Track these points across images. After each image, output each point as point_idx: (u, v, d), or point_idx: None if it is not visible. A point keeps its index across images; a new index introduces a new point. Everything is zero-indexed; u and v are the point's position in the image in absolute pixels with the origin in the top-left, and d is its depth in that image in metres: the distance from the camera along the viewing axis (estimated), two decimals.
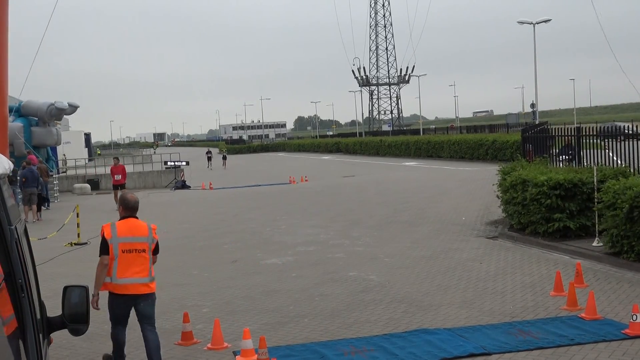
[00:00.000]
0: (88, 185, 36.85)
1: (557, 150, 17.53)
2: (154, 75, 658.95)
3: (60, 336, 7.64)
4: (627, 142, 14.26)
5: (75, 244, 16.68)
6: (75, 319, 3.43)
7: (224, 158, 65.22)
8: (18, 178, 21.53)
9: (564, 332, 7.79)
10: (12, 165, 3.50)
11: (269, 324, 8.82)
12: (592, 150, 15.71)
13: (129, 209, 7.17)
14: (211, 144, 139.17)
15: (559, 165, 16.15)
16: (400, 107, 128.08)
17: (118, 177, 26.33)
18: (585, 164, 16.00)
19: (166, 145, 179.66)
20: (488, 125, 60.64)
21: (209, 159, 63.82)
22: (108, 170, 44.11)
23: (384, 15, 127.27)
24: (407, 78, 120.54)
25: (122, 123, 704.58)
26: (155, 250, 7.27)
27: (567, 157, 16.55)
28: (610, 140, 15.52)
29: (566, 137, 17.25)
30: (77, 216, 17.80)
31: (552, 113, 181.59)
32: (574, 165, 15.80)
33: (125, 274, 6.90)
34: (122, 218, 7.16)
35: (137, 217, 7.23)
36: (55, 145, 39.22)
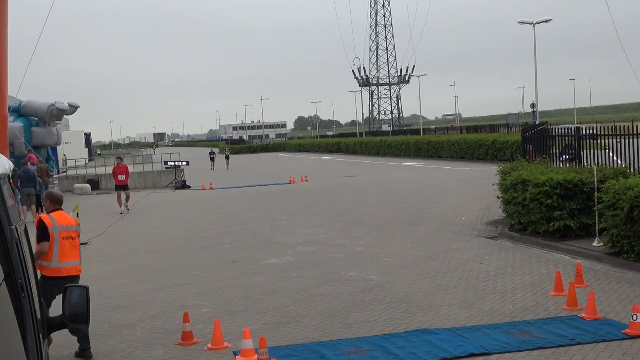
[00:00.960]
0: (88, 185, 36.87)
1: (559, 150, 17.51)
2: (154, 76, 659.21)
3: (60, 336, 7.67)
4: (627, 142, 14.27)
5: None
6: (75, 319, 3.43)
7: (227, 158, 61.93)
8: (14, 179, 21.48)
9: (564, 332, 7.80)
10: (12, 165, 3.50)
11: (269, 324, 8.82)
12: (592, 150, 15.71)
13: (57, 202, 8.17)
14: (211, 144, 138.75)
15: (561, 164, 16.15)
16: (400, 107, 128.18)
17: (121, 177, 25.14)
18: (585, 164, 15.99)
19: (166, 145, 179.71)
20: (488, 125, 60.66)
21: (212, 159, 60.72)
22: (108, 170, 44.22)
23: (384, 15, 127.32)
24: (407, 78, 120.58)
25: (122, 123, 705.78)
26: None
27: (568, 157, 16.54)
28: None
29: (568, 137, 17.24)
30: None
31: (552, 113, 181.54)
32: (575, 164, 15.79)
33: (65, 258, 7.83)
34: (51, 211, 8.06)
35: (62, 210, 8.18)
36: (55, 145, 39.24)
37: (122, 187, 25.18)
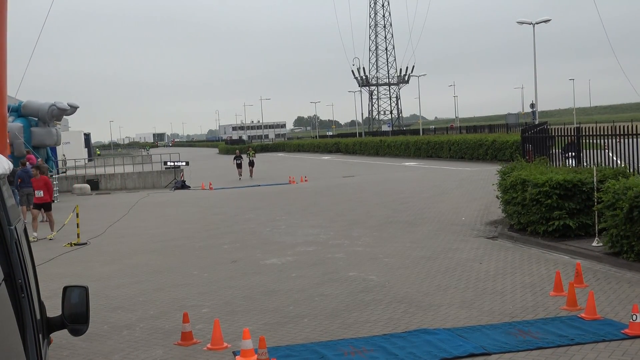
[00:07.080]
0: (88, 186, 36.88)
1: (562, 148, 17.44)
2: (154, 76, 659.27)
3: (60, 336, 7.67)
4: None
5: (75, 244, 16.68)
6: (75, 319, 3.43)
7: (252, 165, 45.33)
8: (14, 179, 21.46)
9: (564, 332, 7.80)
10: (11, 166, 3.50)
11: (269, 324, 8.82)
12: (592, 150, 15.72)
13: None
14: (210, 144, 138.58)
15: (566, 163, 16.15)
16: (399, 107, 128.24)
17: (39, 193, 18.44)
18: (585, 164, 16.00)
19: (166, 146, 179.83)
20: (487, 125, 60.67)
21: (239, 165, 44.27)
22: (108, 170, 44.22)
23: (383, 16, 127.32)
24: (406, 78, 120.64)
25: (122, 123, 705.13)
26: None
27: (573, 155, 16.51)
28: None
29: (569, 137, 17.23)
30: (77, 216, 17.80)
31: (551, 113, 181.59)
32: (577, 164, 15.79)
33: None
34: None
35: None
36: (55, 145, 39.24)
37: (40, 206, 18.76)
